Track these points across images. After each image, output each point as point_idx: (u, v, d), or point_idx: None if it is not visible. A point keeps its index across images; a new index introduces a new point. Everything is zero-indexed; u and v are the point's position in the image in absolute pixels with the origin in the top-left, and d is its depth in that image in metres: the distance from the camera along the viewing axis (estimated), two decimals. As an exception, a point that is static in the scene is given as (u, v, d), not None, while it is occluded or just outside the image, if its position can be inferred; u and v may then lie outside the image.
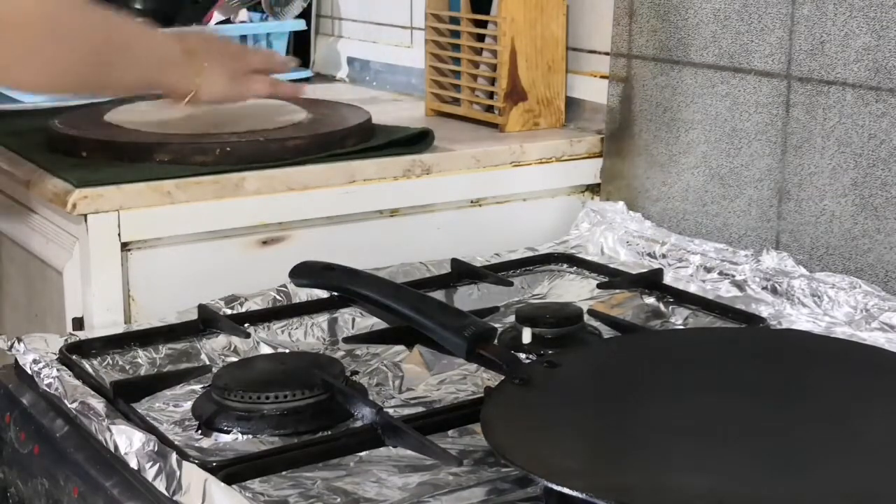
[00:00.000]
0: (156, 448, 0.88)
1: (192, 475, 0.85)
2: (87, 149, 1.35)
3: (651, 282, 1.28)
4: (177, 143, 1.34)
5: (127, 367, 1.11)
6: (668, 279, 1.29)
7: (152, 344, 1.14)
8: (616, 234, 1.40)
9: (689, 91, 1.39)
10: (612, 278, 1.30)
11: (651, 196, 1.45)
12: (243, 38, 1.93)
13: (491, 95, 1.57)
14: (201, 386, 1.05)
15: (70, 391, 1.01)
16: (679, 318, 1.21)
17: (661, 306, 1.24)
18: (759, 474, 0.82)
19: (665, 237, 1.36)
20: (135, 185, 1.26)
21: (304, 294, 1.23)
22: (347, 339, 1.16)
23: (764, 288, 1.23)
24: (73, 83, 1.27)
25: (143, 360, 1.12)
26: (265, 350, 1.13)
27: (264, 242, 1.33)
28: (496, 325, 1.11)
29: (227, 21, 1.95)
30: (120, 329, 1.19)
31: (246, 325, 1.17)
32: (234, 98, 1.37)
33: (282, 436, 0.95)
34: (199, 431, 0.97)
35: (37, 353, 1.08)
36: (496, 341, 1.08)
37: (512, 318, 1.17)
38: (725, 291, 1.25)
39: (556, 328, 1.12)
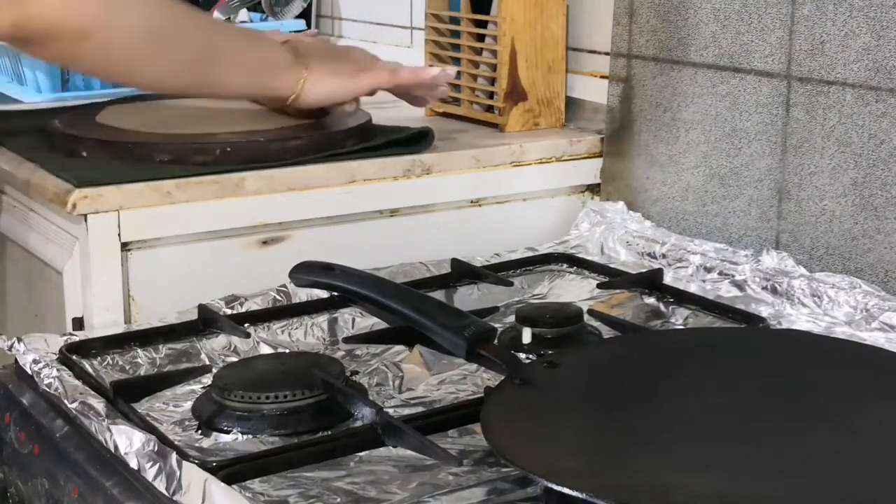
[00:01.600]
0: (156, 448, 0.88)
1: (192, 475, 0.85)
2: (87, 149, 1.35)
3: (651, 282, 1.28)
4: (177, 143, 1.34)
5: (127, 367, 1.11)
6: (668, 279, 1.29)
7: (152, 344, 1.14)
8: (616, 234, 1.40)
9: (689, 91, 1.39)
10: (612, 278, 1.30)
11: (651, 196, 1.45)
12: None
13: (491, 95, 1.57)
14: (201, 386, 1.05)
15: (70, 391, 1.01)
16: (679, 318, 1.21)
17: (661, 306, 1.24)
18: (760, 474, 0.82)
19: (665, 237, 1.36)
20: (135, 185, 1.26)
21: (304, 294, 1.23)
22: (347, 339, 1.16)
23: (764, 288, 1.23)
24: (182, 86, 1.34)
25: (143, 360, 1.12)
26: (265, 350, 1.13)
27: (264, 242, 1.33)
28: (496, 325, 1.11)
29: (228, 21, 1.96)
30: (120, 329, 1.19)
31: (246, 325, 1.17)
32: (343, 97, 1.38)
33: (282, 436, 0.95)
34: (199, 431, 0.97)
35: (37, 353, 1.08)
36: (496, 341, 1.08)
37: (512, 318, 1.17)
38: (725, 291, 1.25)
39: (556, 328, 1.12)
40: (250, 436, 0.95)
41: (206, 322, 1.17)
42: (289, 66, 1.34)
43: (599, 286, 1.29)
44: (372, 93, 1.41)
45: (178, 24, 1.26)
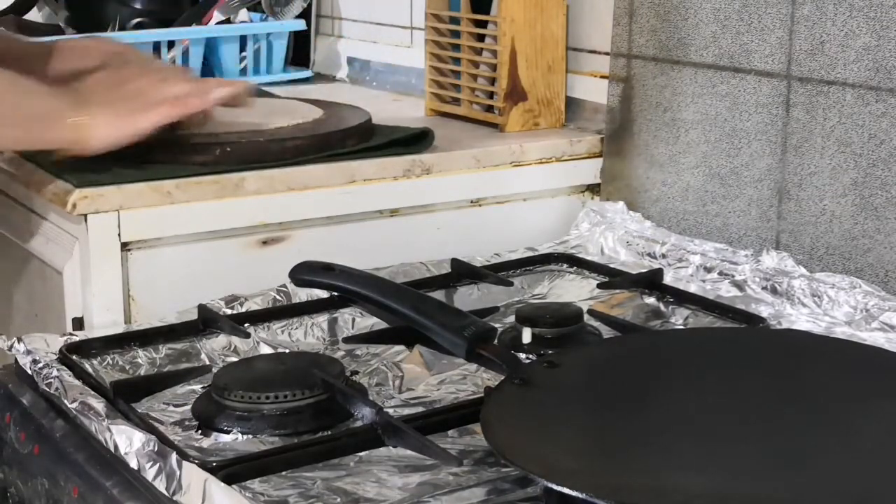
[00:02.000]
0: (156, 448, 0.88)
1: (192, 475, 0.85)
2: (87, 149, 1.35)
3: (651, 282, 1.28)
4: (177, 144, 1.34)
5: (127, 367, 1.11)
6: (668, 279, 1.29)
7: (152, 344, 1.14)
8: (616, 234, 1.40)
9: (689, 91, 1.39)
10: (612, 278, 1.30)
11: (651, 196, 1.45)
12: (243, 38, 1.93)
13: (491, 95, 1.57)
14: (201, 386, 1.05)
15: (70, 391, 1.01)
16: (679, 318, 1.21)
17: (661, 306, 1.24)
18: (760, 474, 0.82)
19: (665, 237, 1.36)
20: (135, 185, 1.26)
21: (304, 294, 1.23)
22: (347, 339, 1.16)
23: (764, 288, 1.23)
24: None
25: (143, 360, 1.12)
26: (265, 350, 1.13)
27: (264, 242, 1.33)
28: (496, 325, 1.11)
29: (228, 21, 1.96)
30: (120, 329, 1.19)
31: (246, 325, 1.17)
32: (128, 139, 1.27)
33: (282, 436, 0.95)
34: (199, 431, 0.97)
35: (37, 353, 1.08)
36: (496, 341, 1.08)
37: (512, 318, 1.17)
38: (725, 291, 1.25)
39: (556, 328, 1.12)
40: (250, 436, 0.95)
41: (206, 322, 1.17)
42: (62, 115, 1.24)
43: (599, 286, 1.29)
44: (160, 127, 1.30)
45: None
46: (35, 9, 2.11)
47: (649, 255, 1.35)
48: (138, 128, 1.27)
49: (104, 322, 1.24)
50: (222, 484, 0.83)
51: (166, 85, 1.32)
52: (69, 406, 0.99)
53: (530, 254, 1.38)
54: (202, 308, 1.18)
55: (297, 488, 0.87)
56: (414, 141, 1.43)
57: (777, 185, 1.31)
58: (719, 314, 1.19)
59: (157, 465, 0.88)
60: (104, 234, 1.24)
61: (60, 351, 1.10)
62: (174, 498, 0.86)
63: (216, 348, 1.15)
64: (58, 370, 1.04)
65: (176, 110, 1.30)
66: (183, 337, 1.16)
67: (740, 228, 1.35)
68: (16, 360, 1.11)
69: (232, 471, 0.87)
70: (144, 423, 0.95)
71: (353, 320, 1.20)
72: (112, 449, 0.92)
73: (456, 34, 1.60)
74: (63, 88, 1.29)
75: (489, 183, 1.45)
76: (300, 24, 1.99)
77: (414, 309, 1.09)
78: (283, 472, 0.89)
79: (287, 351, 1.13)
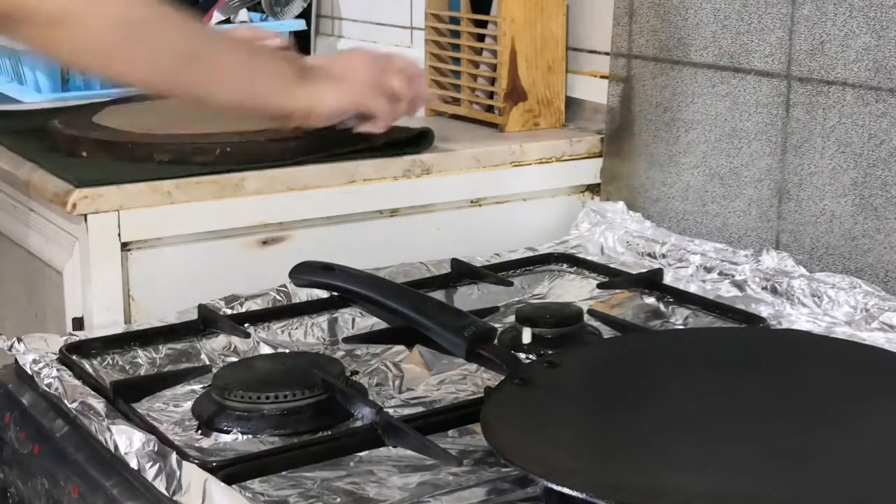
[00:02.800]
0: (156, 448, 0.88)
1: (192, 475, 0.85)
2: (87, 149, 1.35)
3: (651, 282, 1.28)
4: (177, 143, 1.34)
5: (127, 367, 1.11)
6: (668, 279, 1.29)
7: (152, 344, 1.14)
8: (616, 234, 1.40)
9: (689, 91, 1.39)
10: (612, 278, 1.30)
11: (651, 196, 1.45)
12: (243, 38, 1.93)
13: (491, 95, 1.57)
14: (201, 386, 1.05)
15: (70, 391, 1.01)
16: (679, 318, 1.21)
17: (661, 306, 1.24)
18: (759, 474, 0.82)
19: (665, 237, 1.36)
20: (135, 185, 1.26)
21: (304, 294, 1.23)
22: (347, 339, 1.16)
23: (764, 288, 1.23)
24: (163, 84, 1.23)
25: (143, 360, 1.12)
26: (265, 350, 1.13)
27: (264, 242, 1.33)
28: (496, 325, 1.11)
29: (227, 21, 1.96)
30: (120, 329, 1.19)
31: (246, 325, 1.17)
32: (352, 110, 1.30)
33: (282, 436, 0.95)
34: (199, 431, 0.97)
35: (37, 353, 1.08)
36: (496, 341, 1.08)
37: (512, 318, 1.17)
38: (725, 291, 1.25)
39: (556, 328, 1.12)
40: (250, 436, 0.95)
41: (206, 322, 1.17)
42: (291, 83, 1.25)
43: (599, 286, 1.29)
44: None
45: (161, 18, 1.17)
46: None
47: (649, 255, 1.35)
48: (361, 103, 1.29)
49: (104, 322, 1.24)
50: (222, 484, 0.84)
51: (385, 76, 1.32)
52: (69, 406, 0.99)
53: (530, 254, 1.38)
54: (202, 308, 1.18)
55: (297, 488, 0.87)
56: (414, 141, 1.43)
57: (777, 185, 1.31)
58: (719, 314, 1.19)
59: (157, 465, 0.88)
60: (104, 234, 1.24)
61: (60, 351, 1.10)
62: (174, 498, 0.86)
63: (216, 348, 1.15)
64: (58, 370, 1.04)
65: (390, 110, 1.32)
66: (183, 337, 1.16)
67: (740, 228, 1.35)
68: (16, 360, 1.11)
69: (232, 471, 0.87)
70: (144, 423, 0.95)
71: (353, 320, 1.20)
72: (112, 449, 0.92)
73: (456, 34, 1.60)
74: (289, 55, 1.30)
75: (489, 183, 1.45)
76: (300, 24, 1.99)
77: (414, 309, 1.09)
78: (283, 472, 0.89)
79: (287, 351, 1.13)
